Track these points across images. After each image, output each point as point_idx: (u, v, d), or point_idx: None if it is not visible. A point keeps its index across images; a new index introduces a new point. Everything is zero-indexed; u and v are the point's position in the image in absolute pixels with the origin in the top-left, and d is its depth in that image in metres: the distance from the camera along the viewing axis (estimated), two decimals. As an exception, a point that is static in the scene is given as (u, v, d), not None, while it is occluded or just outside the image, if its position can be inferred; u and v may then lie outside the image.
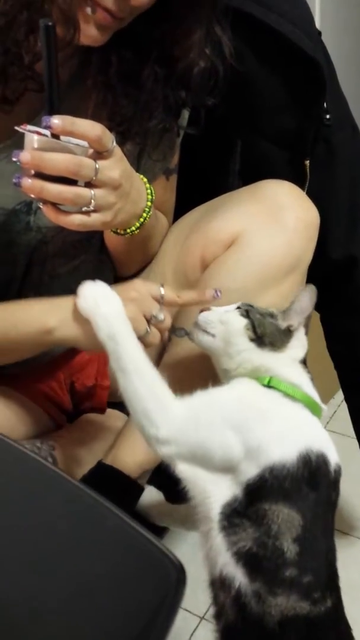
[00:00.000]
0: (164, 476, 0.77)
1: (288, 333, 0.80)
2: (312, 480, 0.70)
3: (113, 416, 1.06)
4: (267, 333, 0.79)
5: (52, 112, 0.71)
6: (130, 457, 0.90)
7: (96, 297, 0.77)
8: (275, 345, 0.79)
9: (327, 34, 1.09)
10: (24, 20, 0.77)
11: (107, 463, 0.91)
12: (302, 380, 0.78)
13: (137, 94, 0.89)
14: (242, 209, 0.95)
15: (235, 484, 0.70)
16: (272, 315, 0.82)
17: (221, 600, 0.70)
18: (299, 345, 0.81)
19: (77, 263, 1.00)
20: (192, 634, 1.09)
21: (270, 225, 0.92)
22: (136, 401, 0.72)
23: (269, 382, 0.76)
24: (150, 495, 0.87)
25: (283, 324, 0.81)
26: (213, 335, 0.81)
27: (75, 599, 0.44)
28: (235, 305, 0.83)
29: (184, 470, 0.73)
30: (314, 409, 0.76)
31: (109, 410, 1.08)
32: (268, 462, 0.69)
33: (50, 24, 0.69)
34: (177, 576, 0.42)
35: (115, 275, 1.08)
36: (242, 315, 0.81)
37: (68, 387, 1.08)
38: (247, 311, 0.81)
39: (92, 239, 1.00)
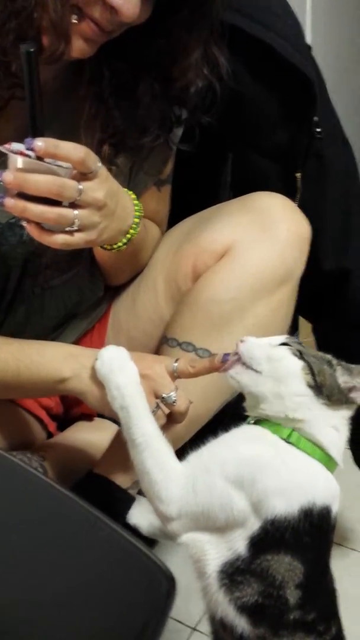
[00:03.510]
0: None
1: (347, 395, 0.73)
2: (313, 531, 0.68)
3: (103, 426, 1.06)
4: (326, 384, 0.72)
5: (36, 134, 0.72)
6: (121, 467, 0.90)
7: (113, 364, 0.77)
8: (331, 399, 0.72)
9: (317, 48, 1.10)
10: (13, 28, 0.77)
11: (98, 473, 0.91)
12: (331, 442, 0.72)
13: (132, 108, 0.89)
14: (234, 220, 0.96)
15: (238, 541, 0.69)
16: (329, 363, 0.74)
17: (221, 635, 0.71)
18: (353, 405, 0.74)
19: (69, 275, 1.01)
20: (183, 646, 1.09)
21: (262, 237, 0.92)
22: (144, 473, 0.73)
23: (288, 436, 0.71)
24: (141, 505, 0.87)
25: (344, 382, 0.73)
26: (259, 372, 0.73)
27: (65, 608, 0.44)
28: (279, 339, 0.75)
29: (185, 537, 0.72)
30: (329, 466, 0.72)
31: (100, 420, 1.08)
32: (270, 515, 0.67)
33: (32, 49, 0.69)
34: (167, 586, 0.42)
35: (105, 285, 1.08)
36: (295, 355, 0.73)
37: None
38: (300, 352, 0.73)
39: (84, 251, 1.00)
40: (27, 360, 0.83)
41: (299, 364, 0.72)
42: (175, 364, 0.81)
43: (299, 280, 0.96)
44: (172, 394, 0.79)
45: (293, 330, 1.10)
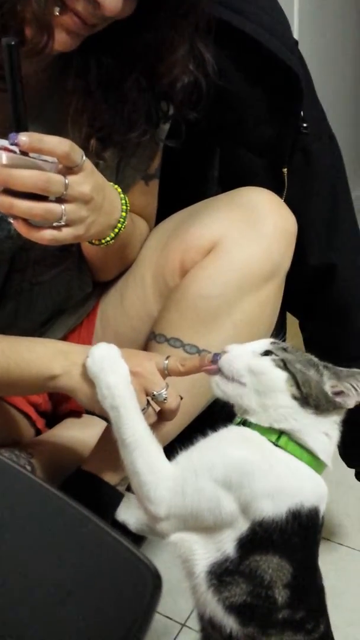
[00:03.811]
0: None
1: (334, 400, 0.71)
2: (301, 532, 0.68)
3: (92, 423, 1.06)
4: (312, 394, 0.70)
5: (20, 129, 0.72)
6: (109, 464, 0.90)
7: (104, 362, 0.76)
8: (319, 408, 0.71)
9: (304, 43, 1.10)
10: None
11: (86, 470, 0.91)
12: (321, 447, 0.71)
13: (119, 102, 0.89)
14: (221, 215, 0.96)
15: (226, 542, 0.69)
16: (317, 368, 0.72)
17: (209, 632, 0.71)
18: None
19: (58, 271, 1.00)
20: (173, 641, 1.09)
21: (249, 233, 0.92)
22: (133, 473, 0.72)
23: (277, 439, 0.71)
24: (129, 502, 0.87)
25: (332, 386, 0.71)
26: (243, 385, 0.72)
27: (51, 606, 0.43)
28: (262, 345, 0.74)
29: (174, 536, 0.72)
30: (317, 468, 0.72)
31: (88, 417, 1.07)
32: (258, 517, 0.67)
33: (13, 43, 0.69)
34: (153, 584, 0.42)
35: (93, 281, 1.08)
36: (278, 366, 0.71)
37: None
38: (283, 362, 0.71)
39: (72, 247, 0.99)
40: (17, 358, 0.82)
41: (282, 376, 0.71)
42: (166, 362, 0.81)
43: (286, 275, 0.97)
44: (163, 391, 0.79)
45: (280, 327, 1.10)
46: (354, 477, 1.25)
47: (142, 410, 0.76)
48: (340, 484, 1.33)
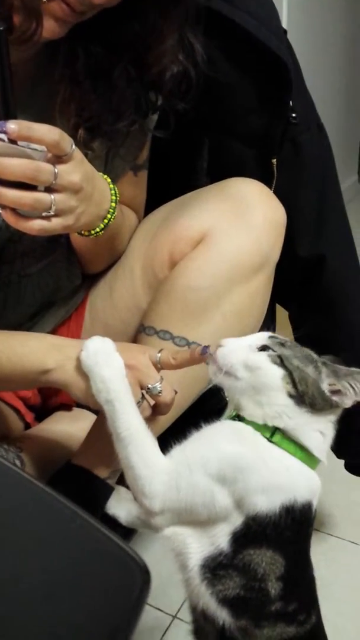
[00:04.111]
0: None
1: (331, 399, 0.70)
2: (294, 526, 0.68)
3: (82, 416, 1.05)
4: (308, 393, 0.69)
5: (8, 116, 0.71)
6: (99, 457, 0.89)
7: (99, 356, 0.75)
8: (315, 407, 0.70)
9: (293, 33, 1.10)
10: None
11: (76, 463, 0.91)
12: (315, 445, 0.71)
13: (107, 91, 0.88)
14: (210, 206, 0.95)
15: (220, 537, 0.69)
16: (315, 365, 0.71)
17: (202, 624, 0.71)
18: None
19: (46, 263, 0.99)
20: (164, 633, 1.09)
21: (238, 224, 0.92)
22: (128, 467, 0.72)
23: (271, 436, 0.70)
24: (120, 495, 0.86)
25: (329, 384, 0.70)
26: (239, 379, 0.71)
27: (38, 601, 0.43)
28: (259, 340, 0.72)
29: (167, 530, 0.72)
30: (311, 464, 0.72)
31: (78, 410, 1.07)
32: (252, 511, 0.67)
33: (1, 29, 0.68)
34: (142, 578, 0.42)
35: (82, 273, 1.07)
36: (275, 362, 0.70)
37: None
38: (280, 358, 0.70)
39: (61, 238, 0.99)
40: (9, 352, 0.81)
41: (278, 373, 0.70)
42: (159, 355, 0.80)
43: (275, 266, 0.96)
44: (158, 384, 0.78)
45: (270, 318, 1.10)
46: (343, 467, 1.26)
47: (137, 403, 0.75)
48: (329, 475, 1.33)
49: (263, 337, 0.73)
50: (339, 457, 1.22)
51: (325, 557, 1.21)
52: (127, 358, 0.76)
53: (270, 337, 0.73)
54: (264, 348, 0.71)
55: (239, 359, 0.71)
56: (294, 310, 1.21)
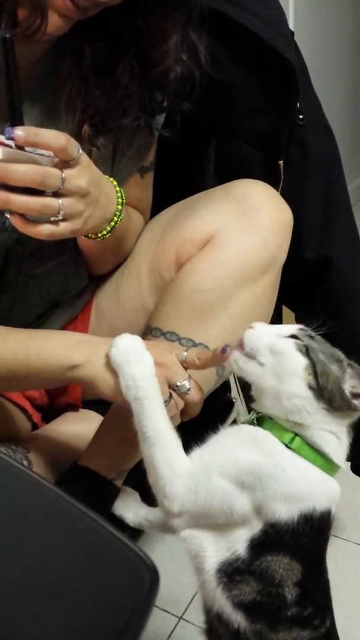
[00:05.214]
0: (140, 476, 0.77)
1: (350, 402, 0.69)
2: (312, 533, 0.68)
3: (89, 417, 1.05)
4: (327, 388, 0.68)
5: (15, 123, 0.71)
6: (106, 458, 0.90)
7: (129, 353, 0.74)
8: (332, 405, 0.69)
9: (300, 34, 1.10)
10: None
11: (83, 464, 0.91)
12: (334, 450, 0.70)
13: (112, 87, 0.89)
14: (217, 208, 0.95)
15: (237, 543, 0.68)
16: (340, 363, 0.70)
17: (215, 626, 0.71)
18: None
19: (53, 264, 1.00)
20: (170, 634, 1.09)
21: (244, 225, 0.92)
22: (151, 467, 0.72)
23: (290, 441, 0.70)
24: (126, 496, 0.86)
25: (351, 386, 0.69)
26: (262, 364, 0.70)
27: (46, 601, 0.43)
28: (289, 329, 0.72)
29: (185, 532, 0.72)
30: (330, 471, 0.71)
31: (85, 412, 1.07)
32: (270, 519, 0.67)
33: (8, 35, 0.68)
34: (150, 577, 0.42)
35: (89, 274, 1.07)
36: (300, 351, 0.69)
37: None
38: (306, 348, 0.69)
39: (68, 240, 0.99)
40: (36, 348, 0.79)
41: (302, 361, 0.69)
42: (185, 354, 0.80)
43: (282, 268, 0.96)
44: (186, 382, 0.77)
45: (277, 320, 1.10)
46: (349, 469, 1.25)
47: (165, 402, 0.75)
48: (335, 477, 1.34)
49: (294, 327, 0.73)
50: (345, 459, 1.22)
51: (331, 559, 1.21)
52: (156, 356, 0.76)
53: (301, 329, 0.72)
54: (292, 337, 0.71)
55: (266, 342, 0.70)
56: (301, 312, 1.21)
